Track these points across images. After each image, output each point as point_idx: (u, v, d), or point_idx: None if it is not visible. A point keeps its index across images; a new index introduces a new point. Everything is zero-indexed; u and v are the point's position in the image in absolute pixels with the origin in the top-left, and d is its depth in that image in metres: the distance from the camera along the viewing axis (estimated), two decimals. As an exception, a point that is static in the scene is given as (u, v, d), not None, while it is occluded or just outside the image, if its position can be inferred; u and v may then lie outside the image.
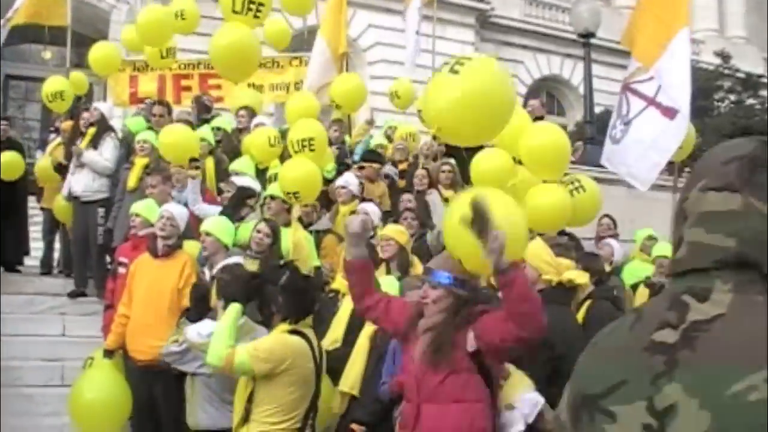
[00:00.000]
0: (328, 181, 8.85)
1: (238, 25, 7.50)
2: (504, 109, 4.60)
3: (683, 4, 8.18)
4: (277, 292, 4.61)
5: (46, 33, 11.77)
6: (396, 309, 4.16)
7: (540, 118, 11.24)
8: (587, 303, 6.36)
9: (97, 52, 10.54)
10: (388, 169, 9.91)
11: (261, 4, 7.53)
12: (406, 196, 8.52)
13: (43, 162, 9.93)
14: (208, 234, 6.49)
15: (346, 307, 5.90)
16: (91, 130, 9.26)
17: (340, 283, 6.29)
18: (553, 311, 4.70)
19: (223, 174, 8.82)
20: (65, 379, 7.78)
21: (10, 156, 9.55)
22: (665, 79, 7.99)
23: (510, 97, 4.72)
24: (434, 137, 9.47)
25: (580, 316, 6.25)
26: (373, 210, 7.73)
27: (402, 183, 10.04)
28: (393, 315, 4.13)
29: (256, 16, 7.55)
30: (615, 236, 9.25)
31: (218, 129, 9.64)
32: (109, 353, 6.52)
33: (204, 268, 6.56)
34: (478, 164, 6.82)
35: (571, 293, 5.63)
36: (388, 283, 5.66)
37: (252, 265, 6.33)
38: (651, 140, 7.96)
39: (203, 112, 10.68)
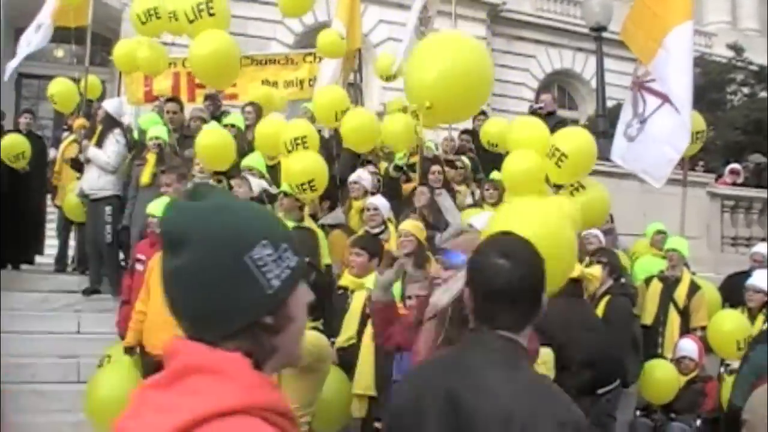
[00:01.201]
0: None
1: (216, 32, 7.40)
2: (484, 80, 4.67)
3: (682, 1, 8.17)
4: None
5: (72, 32, 11.81)
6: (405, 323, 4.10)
7: (552, 113, 11.25)
8: (606, 299, 6.38)
9: (120, 50, 10.57)
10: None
11: (210, 1, 7.36)
12: (419, 189, 8.51)
13: (71, 198, 9.86)
14: None
15: (357, 303, 5.90)
16: (98, 129, 9.32)
17: (347, 279, 6.27)
18: (559, 302, 4.74)
19: (234, 171, 8.83)
20: (80, 376, 7.82)
21: (12, 138, 9.58)
22: (661, 73, 8.00)
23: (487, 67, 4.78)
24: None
25: (600, 311, 6.27)
26: (383, 204, 7.73)
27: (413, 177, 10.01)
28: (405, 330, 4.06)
29: (210, 14, 7.34)
30: (612, 229, 9.25)
31: (231, 126, 9.63)
32: (129, 350, 6.60)
33: None
34: (509, 165, 6.87)
35: (580, 284, 5.64)
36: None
37: None
38: (666, 136, 7.99)
39: (215, 110, 10.72)
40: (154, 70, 10.26)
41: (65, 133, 11.15)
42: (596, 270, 6.75)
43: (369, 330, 5.39)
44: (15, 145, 9.48)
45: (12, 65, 11.58)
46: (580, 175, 7.11)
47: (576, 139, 6.77)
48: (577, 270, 5.65)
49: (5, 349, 8.06)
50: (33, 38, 11.38)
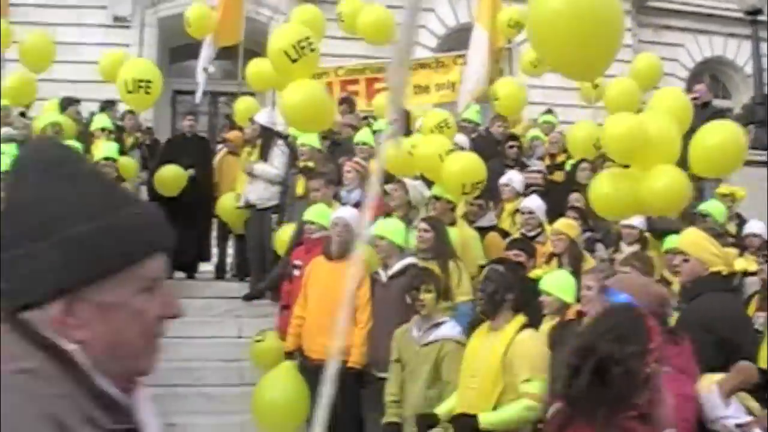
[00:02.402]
0: None
1: (305, 81, 7.49)
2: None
3: None
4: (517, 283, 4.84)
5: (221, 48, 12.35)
6: None
7: (707, 103, 10.80)
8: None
9: (253, 68, 10.96)
10: (539, 164, 9.77)
11: (308, 38, 7.43)
12: (574, 196, 8.36)
13: (228, 204, 10.12)
14: (381, 238, 6.57)
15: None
16: (259, 143, 9.58)
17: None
18: (716, 298, 4.56)
19: (388, 176, 8.89)
20: (243, 379, 8.07)
21: (172, 171, 9.92)
22: None
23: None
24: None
25: None
26: (538, 206, 7.67)
27: (558, 176, 9.86)
28: None
29: (312, 50, 7.44)
30: None
31: (381, 132, 9.70)
32: (288, 355, 6.76)
33: (379, 269, 6.65)
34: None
35: (732, 279, 5.43)
36: (560, 277, 5.61)
37: (428, 266, 6.40)
38: None
39: (350, 111, 10.87)
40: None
41: (218, 146, 11.54)
42: (754, 265, 6.53)
43: (546, 325, 5.34)
44: (172, 180, 9.85)
45: (199, 94, 12.24)
46: (720, 172, 6.79)
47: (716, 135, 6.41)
48: (738, 267, 5.44)
49: (173, 354, 8.45)
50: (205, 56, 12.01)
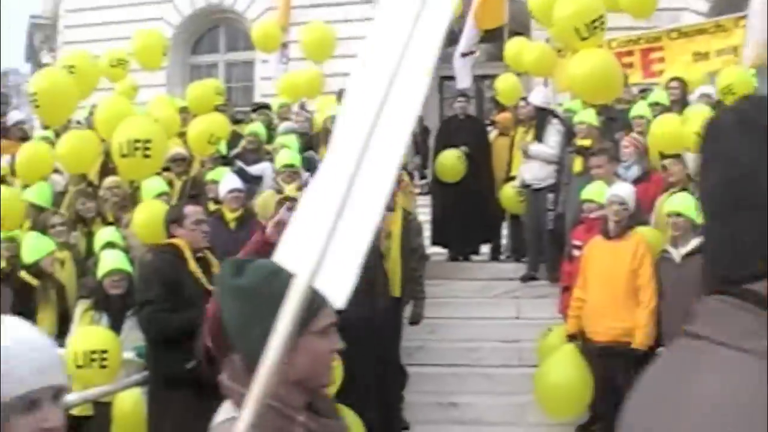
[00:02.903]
0: None
1: (594, 51, 7.44)
2: None
3: None
4: None
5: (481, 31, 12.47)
6: None
7: None
8: None
9: (513, 49, 10.96)
10: None
11: (601, 17, 7.35)
12: None
13: (507, 190, 9.99)
14: (678, 214, 6.32)
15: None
16: (533, 123, 9.53)
17: None
18: None
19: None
20: (522, 360, 8.08)
21: (451, 158, 10.01)
22: None
23: None
24: None
25: None
26: None
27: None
28: None
29: (602, 30, 7.44)
30: None
31: (657, 104, 9.35)
32: (571, 337, 6.70)
33: (668, 248, 6.41)
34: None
35: None
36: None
37: None
38: None
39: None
40: (543, 72, 10.72)
41: (489, 128, 11.60)
42: None
43: None
44: (452, 166, 10.02)
45: (464, 82, 12.50)
46: None
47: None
48: None
49: (452, 334, 8.67)
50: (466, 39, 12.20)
